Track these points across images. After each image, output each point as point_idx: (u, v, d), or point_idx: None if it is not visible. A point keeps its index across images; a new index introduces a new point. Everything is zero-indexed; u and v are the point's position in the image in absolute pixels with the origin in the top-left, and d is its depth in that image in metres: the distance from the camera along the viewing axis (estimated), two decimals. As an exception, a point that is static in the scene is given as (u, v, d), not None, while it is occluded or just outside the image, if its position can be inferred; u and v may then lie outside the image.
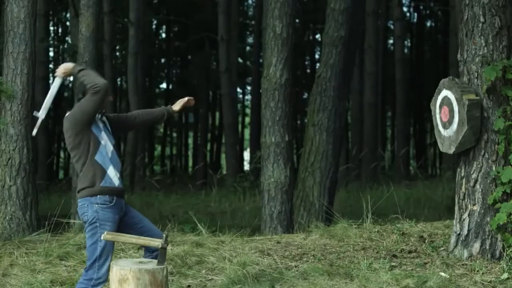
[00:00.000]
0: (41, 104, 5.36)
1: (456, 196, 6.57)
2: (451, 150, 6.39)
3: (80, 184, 4.93)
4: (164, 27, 32.14)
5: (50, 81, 26.88)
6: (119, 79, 28.97)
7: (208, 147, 30.94)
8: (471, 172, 6.38)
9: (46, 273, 6.44)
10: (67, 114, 5.08)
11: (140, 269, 4.50)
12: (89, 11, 9.83)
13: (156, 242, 4.77)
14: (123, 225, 4.95)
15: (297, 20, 25.44)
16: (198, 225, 7.83)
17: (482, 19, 6.36)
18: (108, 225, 4.83)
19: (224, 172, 23.13)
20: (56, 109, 29.34)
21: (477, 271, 6.09)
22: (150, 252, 5.01)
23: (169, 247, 6.58)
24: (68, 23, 24.05)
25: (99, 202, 4.84)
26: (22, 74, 8.29)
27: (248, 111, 31.97)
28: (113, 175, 4.90)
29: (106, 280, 4.89)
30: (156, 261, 4.69)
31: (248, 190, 15.55)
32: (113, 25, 21.18)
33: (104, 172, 4.87)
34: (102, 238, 4.67)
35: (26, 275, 6.38)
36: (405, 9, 29.18)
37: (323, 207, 9.27)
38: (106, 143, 4.96)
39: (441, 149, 6.58)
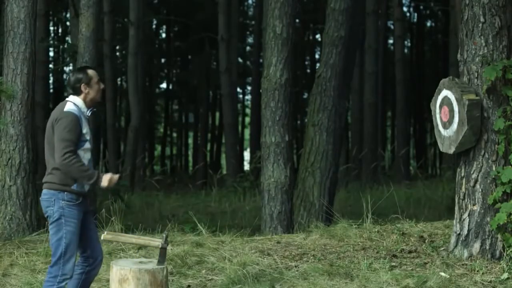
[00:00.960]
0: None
1: (456, 196, 6.57)
2: (451, 150, 6.39)
3: (50, 176, 4.90)
4: (164, 27, 32.16)
5: (50, 81, 26.95)
6: (119, 79, 28.98)
7: (208, 147, 30.95)
8: (471, 172, 6.38)
9: (46, 273, 6.43)
10: (55, 120, 4.90)
11: (140, 269, 4.50)
12: (89, 11, 9.83)
13: (156, 242, 4.78)
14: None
15: (297, 20, 25.45)
16: (198, 225, 7.83)
17: (482, 19, 6.36)
18: (74, 222, 4.83)
19: (224, 172, 23.13)
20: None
21: (477, 271, 6.08)
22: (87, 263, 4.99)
23: (169, 247, 6.58)
24: (68, 23, 24.06)
25: (66, 199, 4.85)
26: (22, 74, 8.29)
27: (248, 111, 31.98)
28: (79, 187, 4.88)
29: (71, 276, 4.87)
30: (156, 261, 4.69)
31: (248, 190, 15.54)
32: (113, 25, 21.20)
33: (72, 184, 4.86)
34: (102, 238, 4.67)
35: (26, 275, 6.39)
36: (405, 9, 29.21)
37: (323, 207, 9.27)
38: (86, 152, 4.93)
39: (441, 149, 6.58)
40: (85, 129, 4.90)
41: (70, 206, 4.84)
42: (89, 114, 5.02)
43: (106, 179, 4.85)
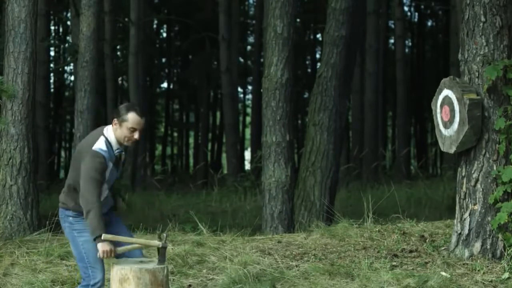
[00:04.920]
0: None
1: (457, 195, 6.57)
2: (452, 150, 6.39)
3: (61, 195, 4.92)
4: (165, 26, 32.15)
5: (51, 81, 26.95)
6: (120, 79, 28.97)
7: (209, 147, 30.95)
8: (472, 172, 6.38)
9: (47, 272, 6.44)
10: (82, 154, 4.75)
11: (141, 269, 4.50)
12: (89, 10, 9.84)
13: (156, 242, 4.78)
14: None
15: (298, 20, 25.48)
16: (199, 224, 7.84)
17: (483, 19, 6.36)
18: (86, 231, 4.78)
19: (225, 171, 23.13)
20: (56, 108, 29.37)
21: (478, 270, 6.08)
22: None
23: (170, 247, 6.58)
24: (69, 23, 24.03)
25: (72, 215, 4.87)
26: (23, 74, 8.28)
27: (249, 110, 31.97)
28: None
29: (103, 284, 4.88)
30: (157, 260, 4.69)
31: (249, 190, 15.53)
32: (114, 24, 21.18)
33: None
34: (103, 237, 4.66)
35: (27, 274, 6.39)
36: (406, 8, 29.18)
37: (324, 207, 9.27)
38: (104, 190, 4.84)
39: (442, 149, 6.58)
40: (108, 170, 4.75)
41: (77, 219, 4.86)
42: (116, 154, 4.82)
43: (101, 250, 4.63)
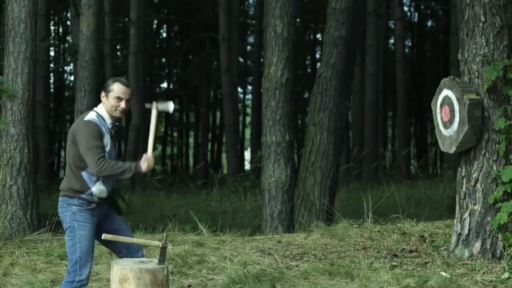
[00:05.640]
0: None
1: (457, 195, 6.57)
2: (452, 150, 6.39)
3: (63, 183, 4.94)
4: (164, 26, 32.16)
5: (51, 81, 26.94)
6: (119, 79, 28.91)
7: (209, 147, 30.96)
8: (472, 172, 6.38)
9: (47, 272, 6.45)
10: (76, 129, 4.87)
11: (141, 269, 4.50)
12: (89, 10, 9.83)
13: (156, 242, 4.78)
14: (102, 230, 4.88)
15: (298, 20, 25.47)
16: (199, 224, 7.84)
17: (482, 19, 6.36)
18: (87, 226, 4.83)
19: (225, 171, 23.13)
20: (56, 108, 29.37)
21: (478, 270, 6.08)
22: None
23: (170, 247, 6.58)
24: (68, 23, 24.03)
25: (77, 204, 4.85)
26: (23, 74, 8.29)
27: (249, 110, 31.98)
28: (98, 191, 4.87)
29: (87, 283, 4.88)
30: (157, 260, 4.69)
31: (249, 190, 15.54)
32: (114, 24, 21.19)
33: (88, 189, 4.85)
34: (103, 237, 4.67)
35: (27, 274, 6.39)
36: (406, 8, 29.19)
37: (324, 207, 9.27)
38: None
39: (442, 149, 6.58)
40: (106, 140, 4.86)
41: (82, 210, 4.84)
42: (111, 127, 4.95)
43: (143, 164, 4.83)
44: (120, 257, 4.98)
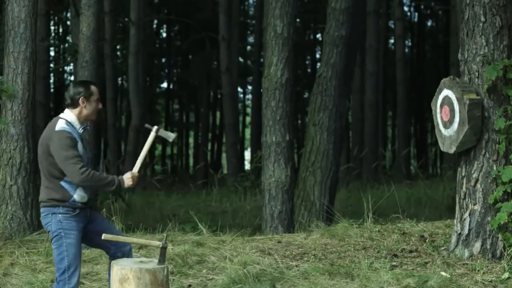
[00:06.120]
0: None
1: (457, 195, 6.57)
2: (452, 150, 6.39)
3: (43, 195, 4.91)
4: (164, 26, 32.16)
5: (51, 81, 26.93)
6: (119, 79, 28.97)
7: (209, 147, 30.96)
8: (472, 172, 6.38)
9: (47, 272, 6.45)
10: (49, 140, 4.84)
11: (141, 269, 4.50)
12: (89, 10, 9.82)
13: (156, 242, 4.78)
14: (89, 233, 4.92)
15: (297, 20, 25.46)
16: (199, 224, 7.83)
17: (482, 19, 6.36)
18: (73, 233, 4.82)
19: (225, 171, 23.13)
20: (56, 108, 29.36)
21: (478, 270, 6.08)
22: None
23: (169, 247, 6.58)
24: (68, 23, 24.01)
25: (62, 212, 4.83)
26: (23, 74, 8.28)
27: (248, 110, 31.98)
28: (79, 198, 4.86)
29: None
30: (157, 260, 4.69)
31: (249, 190, 15.54)
32: (114, 24, 21.18)
33: (71, 196, 4.83)
34: (103, 237, 4.67)
35: (27, 274, 6.40)
36: (406, 8, 29.18)
37: (324, 207, 9.26)
38: None
39: (442, 149, 6.58)
40: (79, 146, 4.84)
41: (68, 218, 4.83)
42: (81, 132, 4.93)
43: (128, 181, 4.85)
44: (111, 255, 4.98)
